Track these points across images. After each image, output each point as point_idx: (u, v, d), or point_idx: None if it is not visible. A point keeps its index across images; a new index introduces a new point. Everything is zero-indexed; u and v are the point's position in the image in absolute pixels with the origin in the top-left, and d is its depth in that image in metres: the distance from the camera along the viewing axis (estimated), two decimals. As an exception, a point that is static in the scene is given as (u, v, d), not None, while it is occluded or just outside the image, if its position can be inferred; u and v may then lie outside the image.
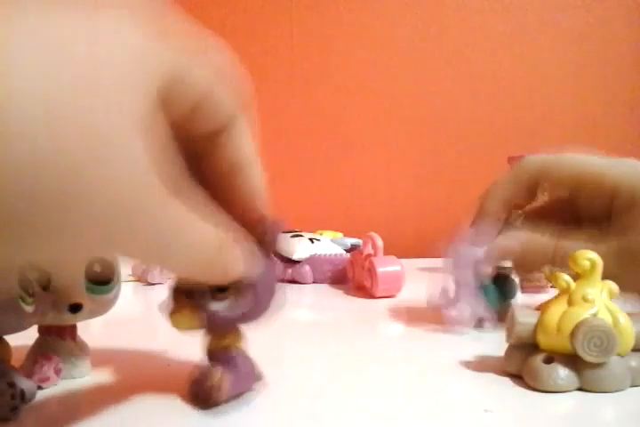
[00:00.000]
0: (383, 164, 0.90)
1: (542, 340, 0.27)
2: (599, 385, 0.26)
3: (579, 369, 0.26)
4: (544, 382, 0.26)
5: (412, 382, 0.28)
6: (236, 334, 0.25)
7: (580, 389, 0.26)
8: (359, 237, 0.64)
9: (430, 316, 0.42)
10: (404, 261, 0.52)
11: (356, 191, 0.90)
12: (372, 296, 0.51)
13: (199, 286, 0.23)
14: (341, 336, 0.38)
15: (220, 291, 0.23)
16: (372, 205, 0.90)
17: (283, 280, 0.60)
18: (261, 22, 0.88)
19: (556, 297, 0.28)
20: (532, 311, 0.29)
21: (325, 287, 0.58)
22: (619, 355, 0.27)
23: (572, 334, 0.26)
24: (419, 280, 0.60)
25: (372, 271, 0.51)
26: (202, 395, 0.24)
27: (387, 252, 0.52)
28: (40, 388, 0.26)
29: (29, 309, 0.25)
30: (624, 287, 0.28)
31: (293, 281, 0.60)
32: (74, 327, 0.29)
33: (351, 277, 0.57)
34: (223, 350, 0.25)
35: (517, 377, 0.28)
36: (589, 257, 0.28)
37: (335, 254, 0.61)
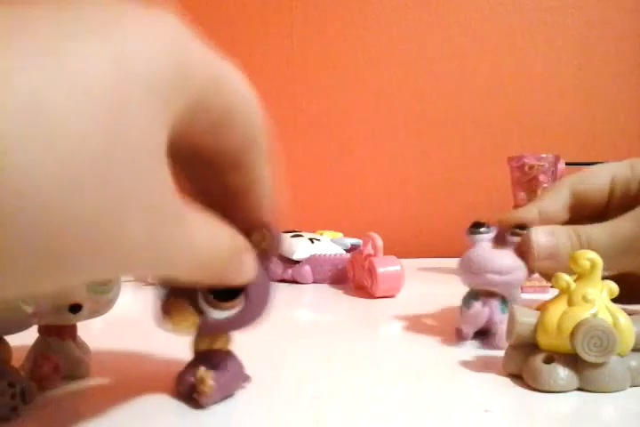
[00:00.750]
0: (383, 164, 0.90)
1: (542, 340, 0.27)
2: (599, 385, 0.26)
3: (579, 369, 0.26)
4: (544, 382, 0.26)
5: (411, 382, 0.28)
6: (227, 336, 0.26)
7: (580, 389, 0.26)
8: (359, 237, 0.64)
9: (430, 316, 0.42)
10: (403, 261, 0.52)
11: (356, 191, 0.90)
12: (372, 296, 0.51)
13: (201, 289, 0.23)
14: (341, 336, 0.38)
15: (226, 300, 0.23)
16: (372, 205, 0.90)
17: (283, 280, 0.60)
18: (261, 23, 0.88)
19: (555, 297, 0.28)
20: (532, 311, 0.29)
21: (325, 287, 0.58)
22: (619, 355, 0.27)
23: (572, 334, 0.26)
24: (419, 280, 0.60)
25: (372, 271, 0.51)
26: (188, 393, 0.24)
27: (387, 252, 0.52)
28: (40, 388, 0.26)
29: (29, 309, 0.25)
30: None
31: (293, 281, 0.60)
32: (74, 327, 0.29)
33: (351, 278, 0.57)
34: (213, 352, 0.25)
35: (517, 377, 0.28)
36: (589, 257, 0.28)
37: (335, 254, 0.61)
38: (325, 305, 0.51)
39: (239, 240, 0.21)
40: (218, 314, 0.23)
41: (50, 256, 0.13)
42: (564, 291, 0.28)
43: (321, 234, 0.68)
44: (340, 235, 0.72)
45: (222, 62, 0.19)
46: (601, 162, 0.40)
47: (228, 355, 0.26)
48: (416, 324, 0.40)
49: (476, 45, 0.89)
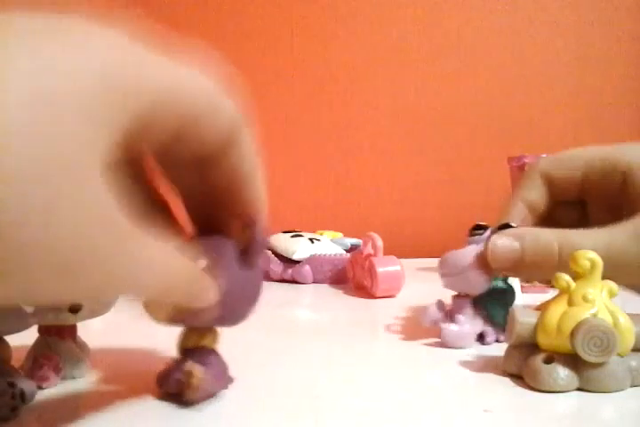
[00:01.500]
0: (383, 164, 0.90)
1: (542, 340, 0.27)
2: (599, 385, 0.26)
3: (579, 369, 0.26)
4: (544, 382, 0.26)
5: (411, 382, 0.28)
6: (214, 334, 0.26)
7: (580, 389, 0.26)
8: (359, 237, 0.64)
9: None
10: (404, 261, 0.52)
11: (356, 191, 0.90)
12: (372, 296, 0.51)
13: None
14: (341, 336, 0.38)
15: None
16: (372, 205, 0.89)
17: (283, 280, 0.60)
18: (262, 23, 0.88)
19: (555, 297, 0.28)
20: (532, 311, 0.29)
21: (325, 287, 0.58)
22: (619, 355, 0.27)
23: (572, 334, 0.26)
24: (419, 280, 0.60)
25: (372, 271, 0.51)
26: (176, 390, 0.25)
27: (387, 252, 0.52)
28: (40, 388, 0.26)
29: (29, 309, 0.25)
30: None
31: (293, 281, 0.60)
32: (74, 327, 0.29)
33: (351, 278, 0.57)
34: (200, 349, 0.25)
35: (517, 377, 0.28)
36: (589, 257, 0.28)
37: (335, 254, 0.61)
38: (325, 305, 0.51)
39: (195, 268, 0.22)
40: None
41: None
42: (564, 291, 0.28)
43: (321, 234, 0.68)
44: (340, 235, 0.72)
45: (179, 70, 0.19)
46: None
47: (214, 353, 0.26)
48: (416, 324, 0.40)
49: (476, 45, 0.89)
